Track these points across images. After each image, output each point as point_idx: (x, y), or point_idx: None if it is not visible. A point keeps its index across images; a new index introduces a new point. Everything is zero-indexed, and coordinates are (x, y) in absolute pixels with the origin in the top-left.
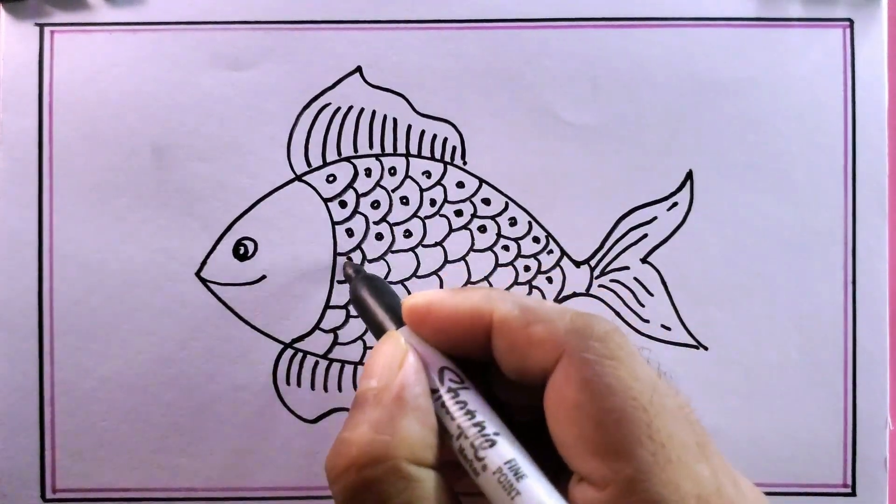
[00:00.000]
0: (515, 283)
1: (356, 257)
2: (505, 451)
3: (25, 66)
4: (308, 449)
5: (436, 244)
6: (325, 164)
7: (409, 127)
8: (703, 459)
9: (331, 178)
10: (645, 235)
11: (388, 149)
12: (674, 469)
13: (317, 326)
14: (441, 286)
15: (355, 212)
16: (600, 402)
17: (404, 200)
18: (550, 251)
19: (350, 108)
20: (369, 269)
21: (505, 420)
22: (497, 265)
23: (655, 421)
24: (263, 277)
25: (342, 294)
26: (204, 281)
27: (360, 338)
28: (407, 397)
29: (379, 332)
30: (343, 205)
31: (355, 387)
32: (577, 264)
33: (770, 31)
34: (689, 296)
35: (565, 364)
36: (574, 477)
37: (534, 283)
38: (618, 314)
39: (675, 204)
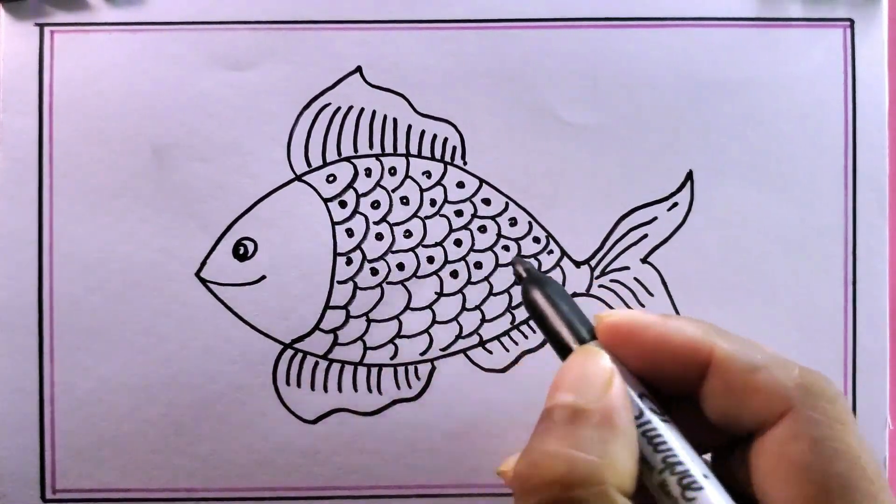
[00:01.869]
0: (516, 282)
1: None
2: (714, 497)
3: (25, 66)
4: (308, 449)
5: (436, 244)
6: (325, 164)
7: (409, 127)
8: None
9: (331, 178)
10: (645, 235)
11: (388, 149)
12: None
13: (317, 327)
14: (441, 286)
15: (355, 212)
16: (829, 466)
17: (404, 200)
18: (551, 251)
19: (350, 108)
20: (366, 269)
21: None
22: (497, 265)
23: (881, 496)
24: (263, 277)
25: (342, 294)
26: (204, 281)
27: (360, 338)
28: (617, 420)
29: (561, 344)
30: (343, 205)
31: (355, 388)
32: (578, 264)
33: (770, 31)
34: (689, 296)
35: (792, 420)
36: None
37: None
38: None
39: (675, 204)
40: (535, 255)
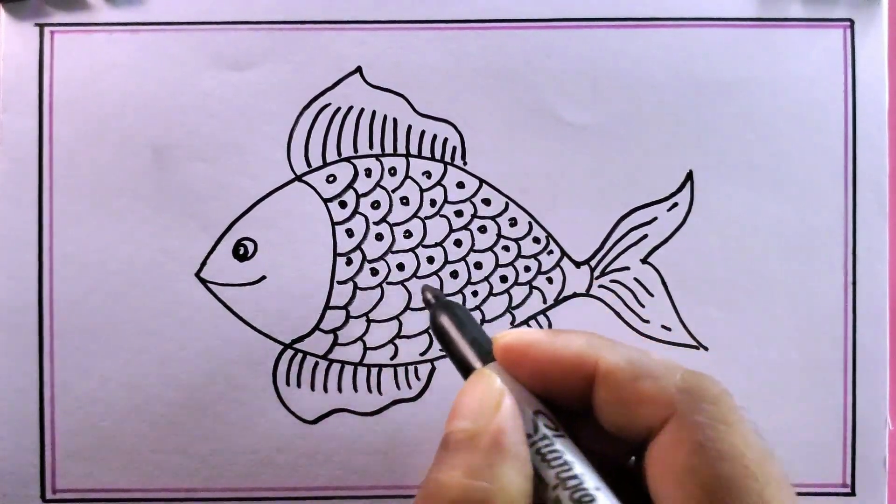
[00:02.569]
0: (516, 283)
1: (433, 284)
2: None
3: (25, 66)
4: (308, 449)
5: (436, 244)
6: (325, 164)
7: (409, 127)
8: None
9: (331, 179)
10: (645, 236)
11: (388, 149)
12: None
13: (317, 327)
14: (441, 286)
15: (355, 212)
16: (711, 469)
17: (404, 201)
18: (551, 251)
19: (350, 108)
20: (366, 269)
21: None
22: (497, 265)
23: (766, 491)
24: (263, 277)
25: (342, 294)
26: (204, 281)
27: (360, 338)
28: (505, 443)
29: (463, 366)
30: (343, 205)
31: (355, 388)
32: (578, 265)
33: (770, 31)
34: (689, 296)
35: (675, 425)
36: None
37: (534, 284)
38: (618, 314)
39: (675, 204)
40: (535, 256)
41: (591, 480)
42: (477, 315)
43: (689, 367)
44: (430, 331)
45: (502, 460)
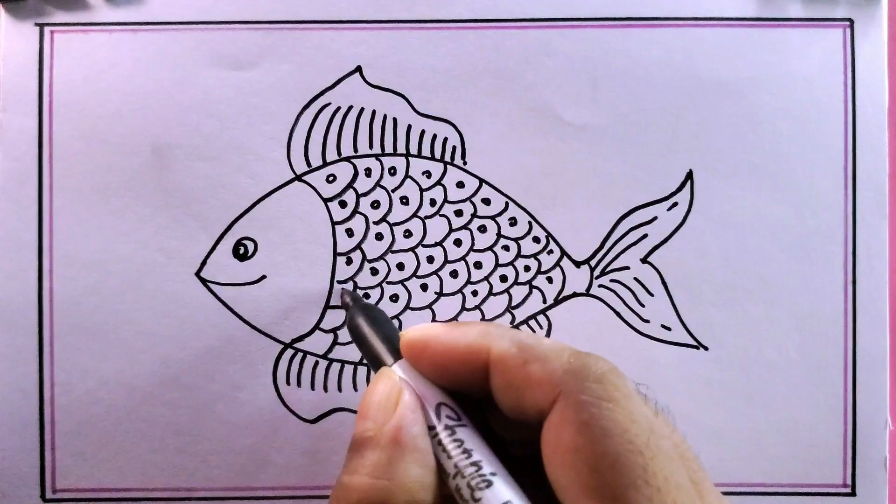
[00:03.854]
0: (516, 282)
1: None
2: (501, 492)
3: (25, 66)
4: (308, 449)
5: (436, 244)
6: (325, 164)
7: (409, 127)
8: (698, 500)
9: (331, 178)
10: (645, 235)
11: (388, 149)
12: None
13: (317, 326)
14: (441, 286)
15: (355, 212)
16: (596, 446)
17: (404, 200)
18: (550, 251)
19: (350, 108)
20: (366, 268)
21: (502, 456)
22: (497, 265)
23: (651, 464)
24: (263, 277)
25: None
26: (204, 281)
27: None
28: (404, 438)
29: (376, 364)
30: (343, 205)
31: (355, 387)
32: (578, 264)
33: (770, 31)
34: (689, 296)
35: (561, 406)
36: None
37: (534, 283)
38: (618, 314)
39: (675, 204)
40: (535, 255)
41: (488, 466)
42: (477, 314)
43: (683, 369)
44: (348, 331)
45: (401, 456)
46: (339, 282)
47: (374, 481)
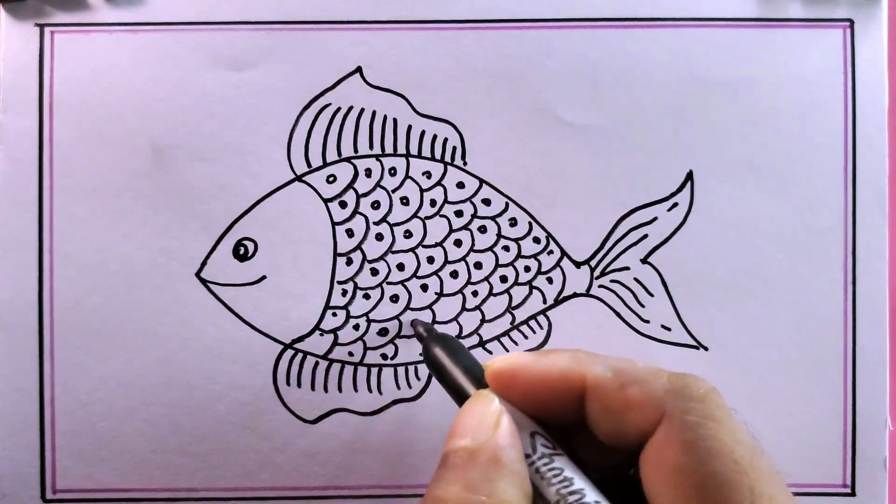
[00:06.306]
0: (516, 283)
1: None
2: None
3: (25, 66)
4: (308, 449)
5: (436, 244)
6: (326, 164)
7: (409, 127)
8: None
9: (331, 179)
10: (645, 236)
11: (389, 149)
12: None
13: (317, 327)
14: (441, 287)
15: (355, 212)
16: (703, 466)
17: (404, 201)
18: (551, 251)
19: (350, 108)
20: (366, 269)
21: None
22: (497, 265)
23: (757, 485)
24: (263, 277)
25: (342, 294)
26: (204, 281)
27: (360, 338)
28: (504, 459)
29: (459, 395)
30: (343, 205)
31: (355, 388)
32: (578, 265)
33: (770, 31)
34: (689, 296)
35: (666, 426)
36: None
37: (534, 284)
38: (618, 314)
39: (675, 204)
40: (535, 256)
41: (591, 494)
42: (477, 315)
43: (683, 369)
44: (425, 363)
45: (500, 475)
46: (339, 281)
47: (471, 496)
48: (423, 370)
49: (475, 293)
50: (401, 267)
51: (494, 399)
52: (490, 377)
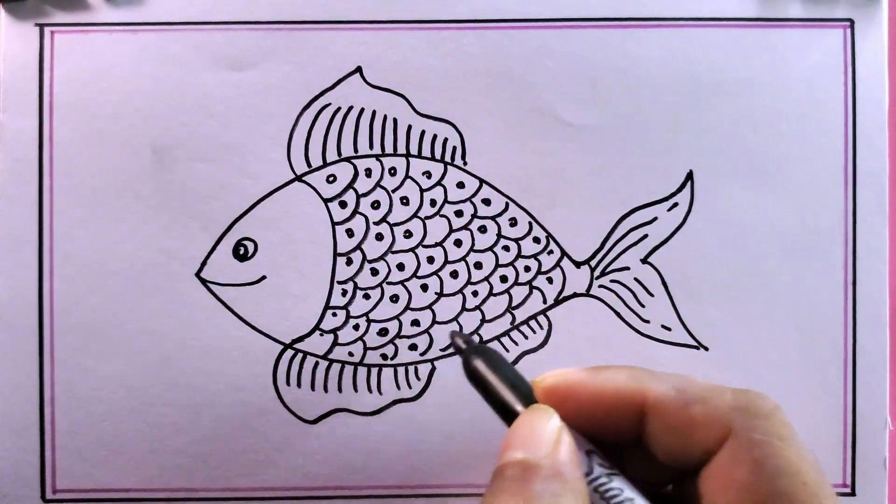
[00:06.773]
0: (516, 283)
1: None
2: None
3: (25, 66)
4: (308, 449)
5: (436, 244)
6: (325, 164)
7: (410, 127)
8: None
9: (331, 179)
10: (645, 236)
11: (389, 149)
12: None
13: (317, 327)
14: (441, 287)
15: (355, 212)
16: (771, 485)
17: (404, 201)
18: (551, 251)
19: (350, 108)
20: (366, 269)
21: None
22: (497, 265)
23: None
24: (263, 277)
25: (342, 294)
26: (204, 281)
27: (360, 338)
28: (568, 475)
29: (506, 412)
30: (343, 205)
31: (355, 388)
32: (578, 265)
33: (770, 31)
34: (689, 296)
35: (732, 444)
36: None
37: (534, 284)
38: (618, 314)
39: (675, 204)
40: (535, 256)
41: None
42: (477, 315)
43: (683, 369)
44: (465, 376)
45: (563, 490)
46: (339, 281)
47: None
48: (424, 370)
49: (475, 293)
50: (401, 267)
51: (554, 414)
52: (543, 393)
